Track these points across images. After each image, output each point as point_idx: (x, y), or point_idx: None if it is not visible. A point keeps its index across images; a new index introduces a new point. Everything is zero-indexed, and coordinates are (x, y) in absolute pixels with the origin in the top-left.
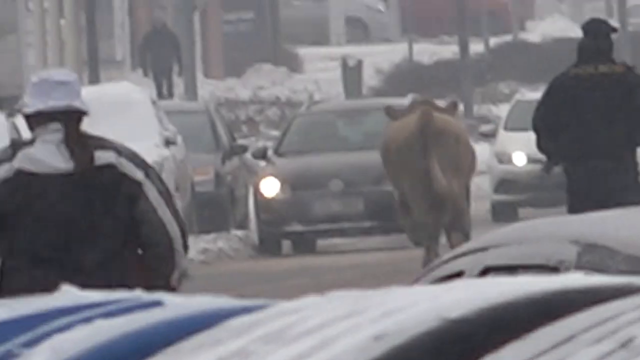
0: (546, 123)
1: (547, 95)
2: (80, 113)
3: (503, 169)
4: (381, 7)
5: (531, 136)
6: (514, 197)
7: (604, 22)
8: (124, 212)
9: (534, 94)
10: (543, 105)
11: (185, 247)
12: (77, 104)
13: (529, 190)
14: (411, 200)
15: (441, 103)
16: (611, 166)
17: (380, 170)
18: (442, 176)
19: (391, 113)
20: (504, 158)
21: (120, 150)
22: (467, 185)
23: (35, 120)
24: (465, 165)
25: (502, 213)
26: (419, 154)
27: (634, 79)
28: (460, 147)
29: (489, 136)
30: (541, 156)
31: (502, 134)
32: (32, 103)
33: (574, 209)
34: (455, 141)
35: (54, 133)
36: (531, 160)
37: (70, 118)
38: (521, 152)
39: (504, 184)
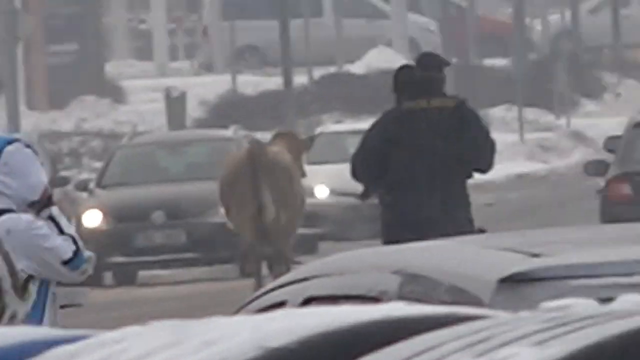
0: (374, 155)
1: (377, 127)
2: None
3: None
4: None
5: (334, 169)
6: (316, 231)
7: (437, 56)
8: None
9: (337, 127)
10: (371, 137)
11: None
12: None
13: (331, 223)
14: (237, 227)
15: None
16: (443, 200)
17: (203, 201)
18: (272, 207)
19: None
20: (306, 191)
21: None
22: (295, 218)
23: None
24: (295, 198)
25: (303, 246)
26: (248, 184)
27: (466, 112)
28: (291, 180)
29: None
30: (345, 189)
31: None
32: None
33: (394, 239)
34: (286, 174)
35: None
36: (334, 193)
37: None
38: (323, 185)
39: (305, 217)
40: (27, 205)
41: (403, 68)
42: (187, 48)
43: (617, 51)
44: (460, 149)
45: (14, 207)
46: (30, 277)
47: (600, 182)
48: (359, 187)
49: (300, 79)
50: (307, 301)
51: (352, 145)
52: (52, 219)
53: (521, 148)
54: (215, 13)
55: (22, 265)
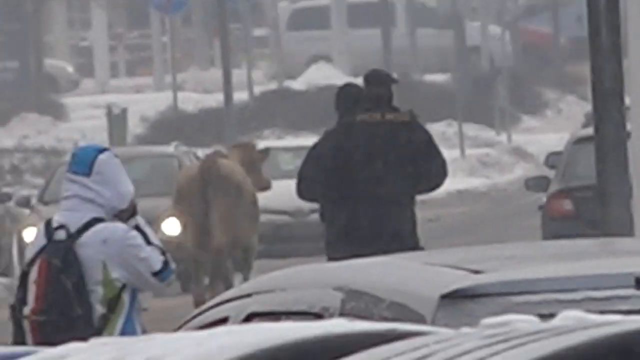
0: (323, 164)
1: (327, 138)
2: None
3: None
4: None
5: (275, 185)
6: None
7: (385, 73)
8: None
9: (268, 143)
10: (323, 147)
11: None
12: None
13: (263, 241)
14: (183, 241)
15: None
16: (390, 214)
17: (143, 217)
18: (218, 223)
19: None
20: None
21: None
22: (247, 234)
23: None
24: (244, 214)
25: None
26: (198, 198)
27: (418, 127)
28: (241, 195)
29: None
30: (277, 207)
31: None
32: None
33: (340, 252)
34: (236, 189)
35: None
36: (265, 211)
37: None
38: None
39: None
40: (114, 215)
41: (346, 86)
42: (128, 64)
43: (558, 67)
44: (412, 163)
45: (104, 215)
46: (123, 287)
47: (542, 198)
48: (290, 205)
49: (240, 95)
50: (249, 317)
51: (284, 162)
52: (138, 228)
53: (462, 164)
54: (281, 24)
55: (117, 275)
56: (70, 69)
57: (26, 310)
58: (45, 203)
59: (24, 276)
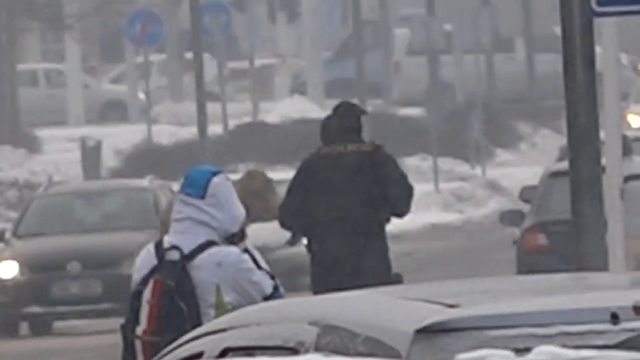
0: (296, 202)
1: (298, 175)
2: None
3: None
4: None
5: None
6: None
7: (353, 105)
8: None
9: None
10: (294, 185)
11: None
12: None
13: None
14: None
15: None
16: (361, 244)
17: (119, 252)
18: None
19: None
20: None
21: None
22: None
23: None
24: None
25: None
26: None
27: (380, 156)
28: None
29: None
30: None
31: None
32: None
33: (318, 287)
34: None
35: None
36: None
37: None
38: None
39: None
40: (225, 238)
41: (327, 118)
42: None
43: (533, 101)
44: (377, 192)
45: (216, 239)
46: (233, 310)
47: (516, 232)
48: (256, 241)
49: (215, 128)
50: (224, 352)
51: None
52: (247, 251)
53: (436, 198)
54: (404, 49)
55: (230, 299)
56: (141, 95)
57: (138, 330)
58: (19, 237)
59: (137, 295)
